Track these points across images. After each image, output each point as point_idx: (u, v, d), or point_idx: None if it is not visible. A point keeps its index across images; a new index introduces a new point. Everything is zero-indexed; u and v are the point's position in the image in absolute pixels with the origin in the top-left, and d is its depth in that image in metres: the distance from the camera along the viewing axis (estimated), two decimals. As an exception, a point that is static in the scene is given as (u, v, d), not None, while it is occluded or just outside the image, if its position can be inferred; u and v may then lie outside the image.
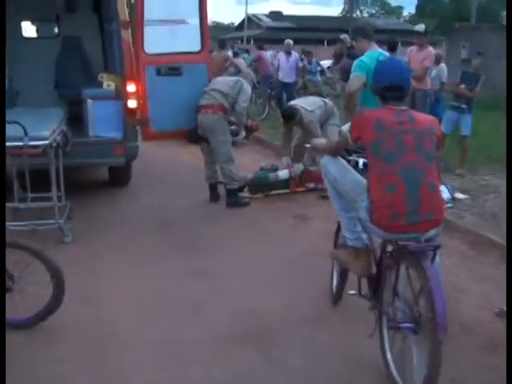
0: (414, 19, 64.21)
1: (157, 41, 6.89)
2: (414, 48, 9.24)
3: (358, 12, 63.33)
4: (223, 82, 7.30)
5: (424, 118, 3.40)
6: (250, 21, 45.56)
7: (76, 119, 7.42)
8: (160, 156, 9.36)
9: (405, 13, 73.78)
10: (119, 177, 7.87)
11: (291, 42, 14.44)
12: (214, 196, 7.25)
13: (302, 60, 14.93)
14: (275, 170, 7.69)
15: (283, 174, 7.61)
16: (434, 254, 3.13)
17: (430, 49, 9.09)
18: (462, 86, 8.57)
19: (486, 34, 17.57)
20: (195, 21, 7.09)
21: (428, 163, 3.23)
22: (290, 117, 7.69)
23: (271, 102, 15.15)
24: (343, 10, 72.09)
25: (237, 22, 59.94)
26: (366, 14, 71.82)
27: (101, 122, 7.13)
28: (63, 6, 8.74)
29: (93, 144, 7.00)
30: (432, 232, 3.25)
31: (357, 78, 5.72)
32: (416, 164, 3.20)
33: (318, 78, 14.99)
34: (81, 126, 7.47)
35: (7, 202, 5.83)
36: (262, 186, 7.44)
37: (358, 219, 3.61)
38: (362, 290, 3.83)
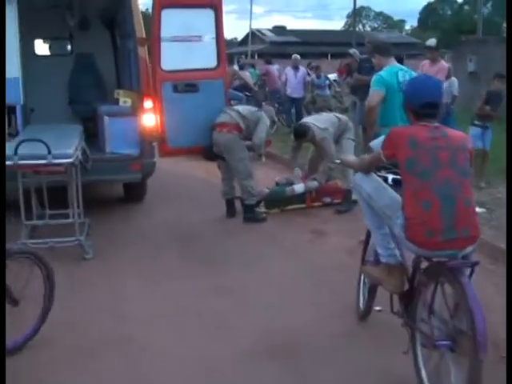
0: (416, 32, 64.69)
1: (173, 57, 6.91)
2: (426, 62, 9.26)
3: (360, 26, 63.80)
4: (245, 107, 7.38)
5: (456, 133, 3.40)
6: (253, 35, 45.75)
7: (90, 135, 7.44)
8: (175, 172, 9.36)
9: (407, 26, 74.23)
10: (134, 192, 7.87)
11: (298, 56, 14.44)
12: (231, 211, 7.24)
13: (308, 74, 14.96)
14: (291, 184, 7.68)
15: (299, 187, 7.59)
16: (472, 271, 3.11)
17: (443, 63, 9.14)
18: (487, 107, 8.47)
19: (492, 47, 17.59)
20: (211, 37, 7.09)
21: (463, 179, 3.22)
22: (302, 135, 7.65)
23: (279, 116, 15.17)
24: (346, 23, 72.74)
25: (239, 36, 60.37)
26: (368, 28, 72.24)
27: (117, 138, 7.15)
28: (76, 23, 8.79)
29: (110, 160, 7.01)
30: (469, 249, 3.23)
31: (376, 93, 5.77)
32: (451, 180, 3.19)
33: (327, 92, 15.00)
34: (96, 142, 7.50)
35: (26, 220, 5.81)
36: (279, 200, 7.43)
37: (392, 235, 3.60)
38: (394, 307, 3.79)
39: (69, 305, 4.67)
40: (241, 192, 7.12)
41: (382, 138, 4.12)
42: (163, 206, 7.78)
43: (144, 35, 7.13)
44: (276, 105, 15.38)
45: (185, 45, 6.99)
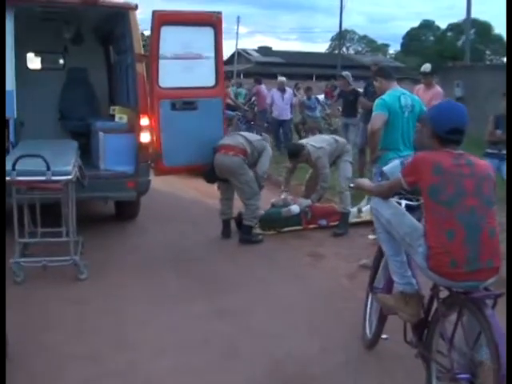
0: (399, 57, 65.51)
1: (172, 75, 6.82)
2: (420, 87, 9.24)
3: (344, 49, 64.44)
4: (250, 133, 7.37)
5: (481, 162, 3.32)
6: (239, 55, 46.01)
7: (82, 151, 7.29)
8: (166, 190, 9.22)
9: (390, 50, 75.15)
10: (127, 211, 7.72)
11: (284, 79, 14.33)
12: (227, 232, 7.12)
13: (294, 95, 14.95)
14: (286, 205, 7.58)
15: (295, 208, 7.50)
16: (495, 303, 3.03)
17: (438, 88, 9.11)
18: (499, 132, 7.91)
19: (479, 73, 17.81)
20: (210, 55, 7.02)
21: (488, 208, 3.14)
22: (295, 153, 7.59)
23: (269, 135, 15.10)
24: (330, 46, 73.46)
25: (225, 56, 60.53)
26: (352, 51, 73.02)
27: (112, 155, 7.03)
28: (71, 38, 8.67)
29: (104, 177, 6.88)
30: (491, 279, 3.15)
31: (379, 117, 5.75)
32: (477, 209, 3.11)
33: (317, 113, 14.99)
34: (88, 158, 7.35)
35: (19, 238, 5.62)
36: (275, 222, 7.33)
37: (408, 263, 3.52)
38: (407, 336, 3.69)
39: (66, 329, 4.52)
40: (244, 211, 7.00)
41: (396, 163, 4.08)
42: (156, 226, 7.64)
43: (142, 52, 7.02)
44: (265, 124, 15.36)
45: (183, 62, 6.91)
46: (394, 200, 3.80)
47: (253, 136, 7.28)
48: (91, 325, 4.63)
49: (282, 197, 7.80)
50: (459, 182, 3.14)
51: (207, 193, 9.53)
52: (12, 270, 5.40)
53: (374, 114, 5.86)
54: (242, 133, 7.39)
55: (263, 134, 8.12)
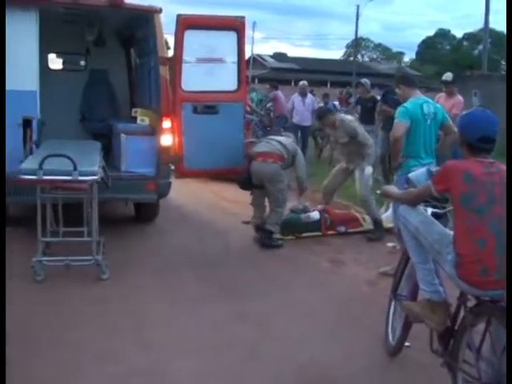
0: (414, 65, 65.34)
1: (194, 78, 6.85)
2: (441, 95, 9.27)
3: (359, 56, 64.44)
4: (283, 138, 7.37)
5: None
6: (254, 60, 46.06)
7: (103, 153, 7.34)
8: (183, 193, 9.23)
9: (406, 58, 75.00)
10: (146, 212, 7.74)
11: (306, 83, 14.13)
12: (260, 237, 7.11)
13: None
14: (306, 211, 7.60)
15: (314, 214, 7.53)
16: (525, 312, 3.01)
17: (459, 97, 9.13)
18: None
19: (496, 83, 17.75)
20: (233, 60, 7.04)
21: None
22: (322, 115, 7.74)
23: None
24: (345, 53, 73.44)
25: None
26: (366, 59, 72.96)
27: (133, 157, 7.07)
28: (93, 39, 8.74)
29: (125, 179, 6.90)
30: (520, 287, 3.13)
31: (401, 124, 5.73)
32: (504, 216, 3.10)
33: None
34: (109, 159, 7.39)
35: (42, 237, 5.66)
36: (294, 227, 7.32)
37: (435, 271, 3.51)
38: (433, 345, 3.68)
39: (88, 328, 4.55)
40: (269, 216, 7.03)
41: (423, 170, 4.08)
42: (174, 228, 7.67)
43: (166, 55, 7.07)
44: (282, 130, 15.34)
45: (206, 66, 6.93)
46: (421, 207, 3.81)
47: (285, 140, 7.29)
48: (113, 324, 4.65)
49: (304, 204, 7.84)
50: (491, 190, 3.14)
51: (224, 196, 9.59)
52: (33, 268, 5.43)
53: (396, 121, 5.84)
54: (275, 137, 7.39)
55: (285, 132, 8.12)
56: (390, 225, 7.05)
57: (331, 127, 7.64)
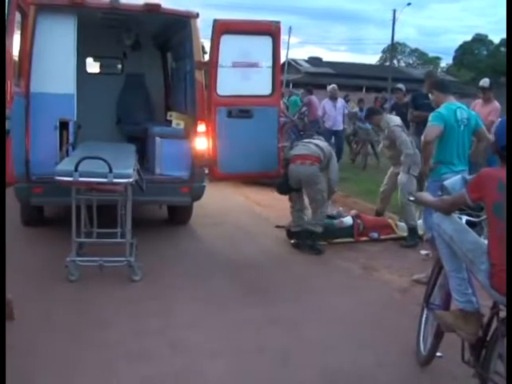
0: (451, 70, 64.57)
1: (230, 83, 6.86)
2: (478, 102, 9.11)
3: (395, 61, 63.93)
4: (319, 140, 7.39)
5: None
6: (289, 65, 46.06)
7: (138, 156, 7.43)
8: (215, 196, 9.26)
9: (442, 64, 74.13)
10: (180, 215, 7.81)
11: (336, 86, 14.06)
12: (299, 244, 7.08)
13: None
14: (340, 216, 7.58)
15: (347, 219, 7.53)
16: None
17: (496, 103, 8.95)
18: None
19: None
20: (268, 64, 7.04)
21: None
22: (372, 113, 7.96)
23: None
24: (381, 58, 72.94)
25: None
26: (403, 64, 72.34)
27: (168, 160, 7.14)
28: (130, 44, 8.84)
29: (159, 182, 6.97)
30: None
31: (434, 128, 5.71)
32: None
33: (369, 125, 14.84)
34: (144, 162, 7.48)
35: (76, 237, 5.74)
36: (327, 232, 7.28)
37: (469, 280, 3.47)
38: (465, 356, 3.63)
39: (120, 329, 4.60)
40: (312, 217, 7.05)
41: (457, 178, 4.03)
42: (207, 231, 7.71)
43: (202, 59, 7.12)
44: (315, 134, 15.31)
45: (241, 71, 6.94)
46: (456, 215, 3.76)
47: (321, 142, 7.32)
48: (145, 325, 4.69)
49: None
50: None
51: (256, 200, 9.62)
52: (67, 268, 5.52)
53: (429, 124, 5.80)
54: (312, 140, 7.40)
55: (317, 136, 8.13)
56: (421, 232, 7.09)
57: (377, 127, 7.76)
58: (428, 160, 5.89)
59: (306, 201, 7.23)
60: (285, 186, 7.08)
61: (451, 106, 5.81)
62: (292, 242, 7.15)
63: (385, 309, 5.25)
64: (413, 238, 7.31)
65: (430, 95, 6.38)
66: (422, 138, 5.99)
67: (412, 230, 7.34)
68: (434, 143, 5.75)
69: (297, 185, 7.01)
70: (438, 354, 4.12)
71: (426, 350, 4.14)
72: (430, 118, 5.87)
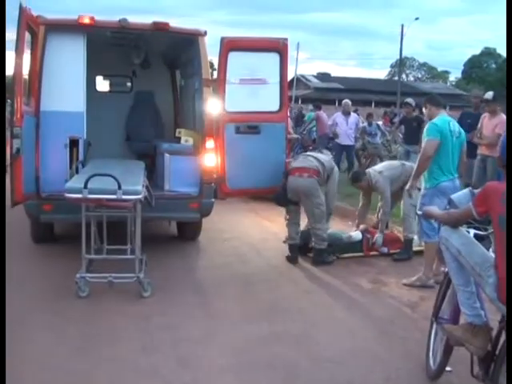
0: (460, 84, 64.59)
1: (237, 99, 6.94)
2: (486, 115, 9.15)
3: (404, 75, 64.04)
4: (321, 154, 7.46)
5: None
6: (298, 81, 46.24)
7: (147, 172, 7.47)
8: (223, 212, 9.26)
9: (451, 77, 74.17)
10: (189, 232, 7.83)
11: (349, 102, 14.09)
12: (293, 257, 7.11)
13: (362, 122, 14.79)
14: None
15: (356, 235, 7.52)
16: None
17: (503, 115, 8.98)
18: None
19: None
20: (276, 81, 7.11)
21: None
22: (356, 179, 7.81)
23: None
24: (389, 73, 73.10)
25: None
26: (411, 78, 72.43)
27: (177, 176, 7.19)
28: (140, 62, 8.93)
29: (168, 198, 7.01)
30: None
31: (433, 143, 6.06)
32: None
33: (378, 140, 14.88)
34: (153, 179, 7.53)
35: (86, 254, 5.77)
36: (336, 247, 7.27)
37: (477, 294, 3.46)
38: (473, 370, 3.61)
39: (129, 344, 4.62)
40: (313, 237, 7.05)
41: (465, 191, 4.04)
42: (215, 247, 7.73)
43: (210, 76, 7.18)
44: (324, 150, 15.35)
45: (249, 87, 7.02)
46: (463, 229, 3.77)
47: (322, 156, 7.36)
48: (153, 341, 4.71)
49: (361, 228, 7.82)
50: None
51: (264, 215, 9.63)
52: (77, 284, 5.55)
53: (426, 139, 6.11)
54: (312, 153, 7.46)
55: (323, 150, 8.16)
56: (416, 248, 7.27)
57: (368, 186, 7.72)
58: (421, 174, 6.22)
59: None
60: (283, 197, 7.08)
61: (444, 118, 6.23)
62: (286, 255, 7.18)
63: (394, 323, 5.23)
64: (406, 252, 7.32)
65: (424, 109, 6.73)
66: (422, 153, 6.23)
67: (407, 242, 7.34)
68: (432, 158, 6.05)
69: (295, 197, 7.00)
70: (448, 368, 4.11)
71: (436, 364, 4.12)
72: (425, 132, 6.20)
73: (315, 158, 7.18)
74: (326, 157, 7.41)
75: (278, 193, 7.12)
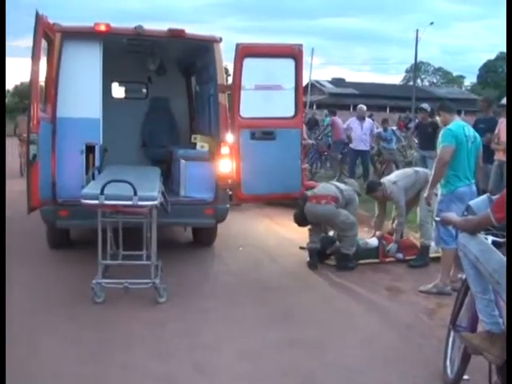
0: (475, 89, 64.21)
1: (252, 105, 6.91)
2: (502, 120, 9.10)
3: (418, 80, 63.80)
4: (341, 184, 7.54)
5: None
6: (312, 86, 46.19)
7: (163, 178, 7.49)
8: (238, 218, 9.28)
9: (466, 82, 73.78)
10: (204, 237, 7.84)
11: (364, 107, 14.00)
12: (314, 263, 7.11)
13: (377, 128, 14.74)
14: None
15: (373, 241, 7.51)
16: None
17: (521, 121, 8.90)
18: None
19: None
20: (291, 87, 7.08)
21: None
22: (371, 189, 7.81)
23: (342, 166, 15.08)
24: (404, 78, 72.86)
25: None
26: (426, 83, 72.15)
27: (193, 182, 7.20)
28: (155, 69, 8.97)
29: (184, 204, 7.03)
30: None
31: (448, 150, 6.05)
32: None
33: (393, 145, 14.79)
34: (168, 184, 7.54)
35: (102, 259, 5.78)
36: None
37: (495, 302, 3.42)
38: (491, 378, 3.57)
39: (144, 350, 4.62)
40: (342, 242, 7.08)
41: (483, 198, 4.00)
42: (230, 253, 7.72)
43: (225, 82, 7.20)
44: (339, 155, 15.34)
45: (264, 93, 7.00)
46: (481, 236, 3.73)
47: (344, 186, 7.40)
48: (168, 347, 4.71)
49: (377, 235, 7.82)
50: None
51: (279, 221, 9.62)
52: (93, 290, 5.56)
53: (442, 145, 6.11)
54: (334, 182, 7.64)
55: (348, 179, 8.19)
56: (433, 255, 7.22)
57: (383, 196, 7.71)
58: (438, 182, 6.18)
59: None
60: (302, 220, 7.22)
61: (459, 123, 6.25)
62: (307, 260, 7.18)
63: (410, 331, 5.19)
64: (423, 258, 7.30)
65: (437, 117, 6.82)
66: (437, 159, 6.21)
67: (424, 249, 7.31)
68: (448, 164, 6.04)
69: (314, 221, 7.16)
70: (465, 377, 4.06)
71: (453, 372, 4.07)
72: (440, 138, 6.20)
73: (335, 185, 7.32)
74: (347, 187, 7.41)
75: (296, 214, 7.25)
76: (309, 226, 7.29)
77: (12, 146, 15.53)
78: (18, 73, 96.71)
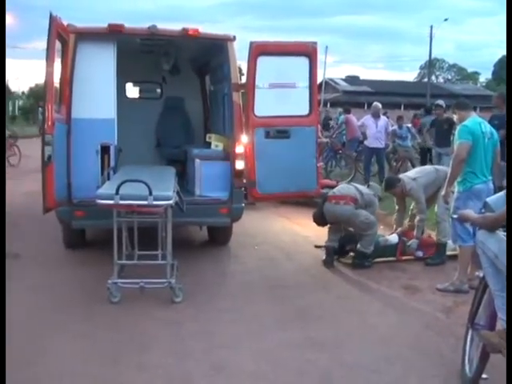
0: (490, 85, 63.68)
1: (267, 103, 6.90)
2: (518, 116, 8.99)
3: (433, 77, 63.39)
4: (360, 186, 7.54)
5: None
6: (326, 84, 46.07)
7: (178, 177, 7.49)
8: (254, 216, 9.27)
9: (481, 78, 73.20)
10: (220, 236, 7.84)
11: (379, 105, 13.82)
12: (330, 261, 7.10)
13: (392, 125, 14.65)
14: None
15: (393, 238, 7.50)
16: None
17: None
18: None
19: None
20: (305, 85, 7.06)
21: None
22: (390, 185, 7.75)
23: (357, 164, 15.01)
24: (418, 75, 72.45)
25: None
26: (441, 80, 71.68)
27: (208, 181, 7.20)
28: (169, 68, 8.97)
29: (199, 203, 7.03)
30: None
31: (464, 146, 6.01)
32: None
33: (409, 143, 14.68)
34: (183, 184, 7.55)
35: (118, 260, 5.79)
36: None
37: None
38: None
39: (161, 350, 4.61)
40: (361, 239, 7.06)
41: (501, 194, 3.95)
42: (247, 251, 7.72)
43: (239, 81, 7.18)
44: (354, 153, 15.28)
45: (278, 91, 6.98)
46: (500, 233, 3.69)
47: (365, 189, 7.37)
48: (185, 346, 4.71)
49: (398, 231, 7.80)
50: None
51: (295, 220, 9.61)
52: (109, 290, 5.58)
53: (458, 142, 6.07)
54: (355, 184, 7.63)
55: (371, 183, 8.17)
56: (449, 252, 7.18)
57: (402, 192, 7.68)
58: (455, 179, 6.13)
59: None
60: (321, 220, 7.23)
61: (475, 119, 6.21)
62: (323, 258, 7.16)
63: (428, 330, 5.14)
64: (439, 256, 7.25)
65: (453, 115, 6.84)
66: (454, 156, 6.16)
67: (441, 246, 7.27)
68: (465, 161, 6.00)
69: (333, 221, 7.17)
70: (484, 375, 3.99)
71: (472, 371, 4.02)
72: (457, 135, 6.18)
73: (356, 187, 7.30)
74: (368, 190, 7.38)
75: (316, 213, 7.27)
76: (328, 225, 7.26)
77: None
78: (33, 75, 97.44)
